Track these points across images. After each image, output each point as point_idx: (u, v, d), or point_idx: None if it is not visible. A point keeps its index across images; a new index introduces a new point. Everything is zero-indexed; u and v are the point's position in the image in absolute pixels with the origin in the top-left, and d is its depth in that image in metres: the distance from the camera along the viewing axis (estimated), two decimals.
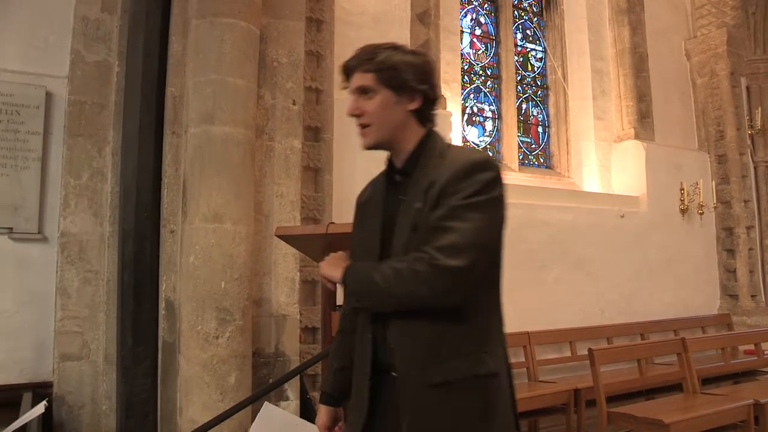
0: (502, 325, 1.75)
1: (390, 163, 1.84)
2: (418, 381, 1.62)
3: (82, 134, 4.31)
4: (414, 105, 1.75)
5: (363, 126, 1.77)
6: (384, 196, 1.82)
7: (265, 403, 1.94)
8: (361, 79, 1.74)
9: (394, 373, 1.66)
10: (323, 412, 2.00)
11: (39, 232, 4.26)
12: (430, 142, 1.77)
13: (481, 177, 1.61)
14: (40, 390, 4.07)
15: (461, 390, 1.62)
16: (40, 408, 3.42)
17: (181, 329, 3.80)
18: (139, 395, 3.91)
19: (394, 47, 1.77)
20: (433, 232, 1.59)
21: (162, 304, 4.03)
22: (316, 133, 4.97)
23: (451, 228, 1.57)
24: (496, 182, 1.64)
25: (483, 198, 1.60)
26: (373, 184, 1.93)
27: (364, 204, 1.92)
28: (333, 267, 1.77)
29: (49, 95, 4.37)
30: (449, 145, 1.79)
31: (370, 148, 1.80)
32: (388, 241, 1.73)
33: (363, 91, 1.74)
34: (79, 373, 4.15)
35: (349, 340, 1.92)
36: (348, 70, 1.78)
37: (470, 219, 1.58)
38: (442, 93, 6.17)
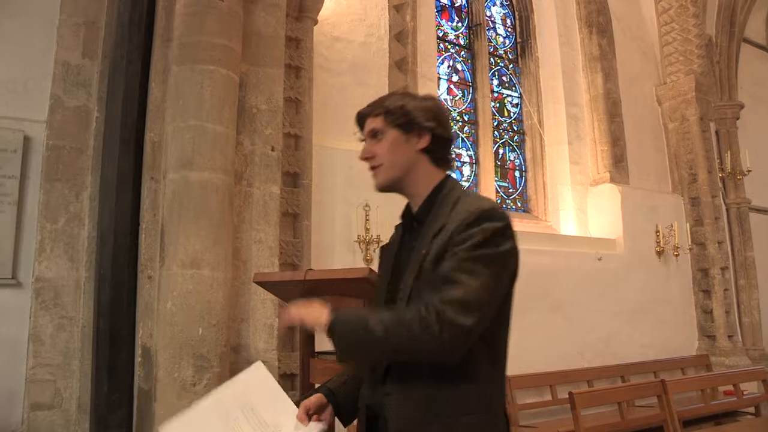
0: (504, 378, 1.70)
1: (407, 208, 1.84)
2: None
3: (60, 178, 4.30)
4: (423, 143, 1.74)
5: (374, 168, 1.78)
6: (399, 242, 1.82)
7: (258, 361, 1.84)
8: (371, 123, 1.77)
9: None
10: (314, 396, 1.82)
11: (13, 277, 4.20)
12: (446, 189, 1.75)
13: (488, 226, 1.58)
14: None
15: None
16: None
17: (158, 376, 3.74)
18: None
19: (405, 93, 1.82)
20: (440, 283, 1.54)
21: (138, 351, 3.96)
22: (294, 179, 5.00)
23: (461, 282, 1.52)
24: (505, 234, 1.61)
25: (491, 252, 1.57)
26: (396, 231, 1.91)
27: (384, 250, 1.91)
28: (314, 311, 1.66)
29: (27, 139, 4.36)
30: (464, 192, 1.75)
31: (381, 189, 1.80)
32: (395, 289, 1.71)
33: (373, 135, 1.77)
34: (50, 423, 4.04)
35: None
36: (361, 118, 1.82)
37: (478, 274, 1.54)
38: None
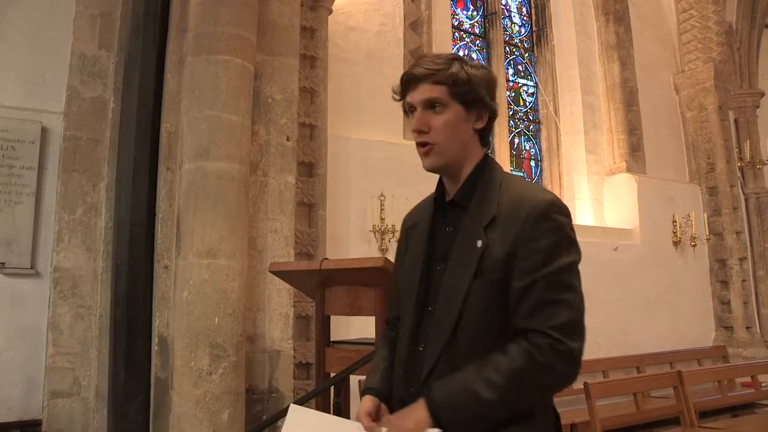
0: None
1: (440, 186, 1.66)
2: None
3: (77, 169, 4.33)
4: (482, 123, 1.59)
5: (425, 144, 1.56)
6: (430, 224, 1.65)
7: (291, 404, 1.76)
8: (430, 90, 1.54)
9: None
10: (367, 399, 1.64)
11: (32, 267, 4.25)
12: (488, 171, 1.59)
13: (561, 221, 1.47)
14: (29, 428, 4.02)
15: None
16: None
17: (174, 365, 3.77)
18: None
19: (461, 60, 1.58)
20: (540, 307, 1.41)
21: (155, 340, 4.00)
22: (310, 169, 5.00)
23: (563, 301, 1.42)
24: (572, 227, 1.50)
25: (573, 253, 1.47)
26: (419, 209, 1.75)
27: (411, 228, 1.73)
28: (412, 417, 1.44)
29: (44, 130, 4.40)
30: (505, 174, 1.60)
31: (432, 170, 1.59)
32: (430, 276, 1.59)
33: (431, 105, 1.55)
34: (69, 410, 4.10)
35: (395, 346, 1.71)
36: (413, 81, 1.57)
37: (573, 286, 1.45)
38: None
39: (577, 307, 1.43)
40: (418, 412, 1.44)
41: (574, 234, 1.50)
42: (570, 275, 1.45)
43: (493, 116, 1.62)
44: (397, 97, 1.63)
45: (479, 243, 1.48)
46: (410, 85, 1.58)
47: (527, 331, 1.42)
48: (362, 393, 1.69)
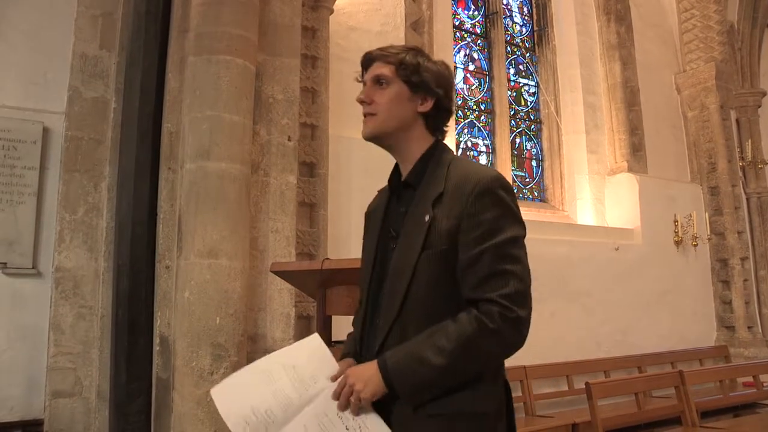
0: None
1: (395, 172, 1.78)
2: (414, 410, 1.52)
3: (79, 169, 4.33)
4: (425, 107, 1.70)
5: (368, 115, 1.70)
6: (385, 207, 1.77)
7: (315, 333, 1.83)
8: (379, 68, 1.71)
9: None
10: (344, 362, 1.72)
11: (33, 267, 4.25)
12: (438, 153, 1.71)
13: (503, 195, 1.56)
14: (31, 428, 4.03)
15: (459, 424, 1.51)
16: None
17: (176, 365, 3.77)
18: None
19: (419, 51, 1.74)
20: (488, 278, 1.49)
21: (156, 340, 4.00)
22: (311, 169, 5.00)
23: (510, 272, 1.50)
24: (515, 201, 1.60)
25: (517, 225, 1.55)
26: (379, 195, 1.89)
27: (371, 213, 1.87)
28: (359, 373, 1.55)
29: (46, 131, 4.40)
30: (455, 156, 1.72)
31: (369, 138, 1.72)
32: (386, 255, 1.68)
33: (378, 81, 1.70)
34: (70, 410, 4.10)
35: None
36: (368, 61, 1.74)
37: (519, 258, 1.53)
38: None
39: (523, 278, 1.51)
40: (367, 368, 1.55)
41: (518, 210, 1.59)
42: (515, 247, 1.53)
43: (440, 106, 1.72)
44: (360, 79, 1.76)
45: (426, 217, 1.58)
46: (366, 65, 1.75)
47: (477, 300, 1.50)
48: (341, 357, 1.77)
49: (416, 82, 1.68)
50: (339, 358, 1.76)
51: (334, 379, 1.61)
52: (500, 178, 1.59)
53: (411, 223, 1.62)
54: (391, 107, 1.68)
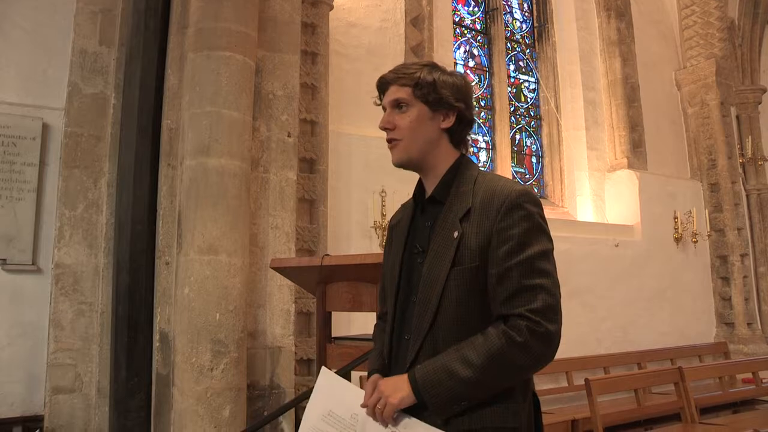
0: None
1: (419, 186, 1.77)
2: (444, 424, 1.52)
3: (78, 166, 4.33)
4: (448, 123, 1.69)
5: (392, 141, 1.69)
6: (410, 221, 1.76)
7: (322, 368, 1.86)
8: (396, 92, 1.69)
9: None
10: (373, 377, 1.71)
11: (33, 264, 4.25)
12: (463, 168, 1.70)
13: (531, 210, 1.55)
14: (31, 424, 4.03)
15: None
16: None
17: (176, 361, 3.78)
18: (132, 429, 3.86)
19: (433, 66, 1.72)
20: (518, 292, 1.49)
21: (156, 336, 4.00)
22: (311, 165, 5.00)
23: (539, 286, 1.49)
24: (543, 215, 1.59)
25: (545, 240, 1.55)
26: (403, 208, 1.87)
27: (394, 227, 1.85)
28: (390, 384, 1.57)
29: (45, 127, 4.40)
30: (481, 171, 1.71)
31: (399, 165, 1.71)
32: (412, 270, 1.67)
33: (397, 105, 1.69)
34: (70, 406, 4.10)
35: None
36: (384, 84, 1.72)
37: (548, 272, 1.52)
38: None
39: (553, 291, 1.51)
40: (398, 380, 1.56)
41: (546, 223, 1.59)
42: (544, 261, 1.53)
43: (462, 118, 1.71)
44: (378, 102, 1.76)
45: (455, 233, 1.58)
46: (382, 89, 1.73)
47: (507, 315, 1.50)
48: (368, 375, 1.77)
49: (435, 100, 1.67)
50: (368, 374, 1.78)
51: (364, 405, 1.62)
52: (528, 192, 1.59)
53: (440, 239, 1.62)
54: (414, 130, 1.67)
